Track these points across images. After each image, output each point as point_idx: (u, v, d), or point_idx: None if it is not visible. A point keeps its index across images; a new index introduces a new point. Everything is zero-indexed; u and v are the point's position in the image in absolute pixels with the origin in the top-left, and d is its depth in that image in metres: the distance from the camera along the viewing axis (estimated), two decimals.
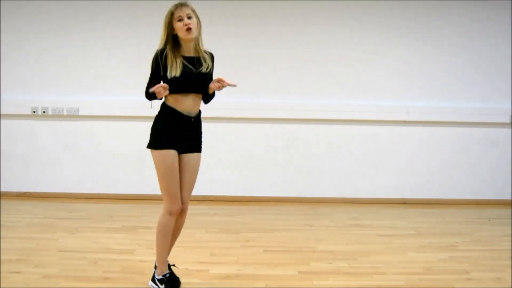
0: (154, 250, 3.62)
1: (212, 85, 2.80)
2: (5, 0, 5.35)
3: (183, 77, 2.69)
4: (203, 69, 2.77)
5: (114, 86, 5.40)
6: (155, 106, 5.67)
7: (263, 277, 3.15)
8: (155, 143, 2.76)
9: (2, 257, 3.38)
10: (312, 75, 5.39)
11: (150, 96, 2.78)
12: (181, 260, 3.39)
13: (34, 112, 5.41)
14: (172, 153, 2.73)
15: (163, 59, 2.71)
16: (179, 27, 2.70)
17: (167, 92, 2.68)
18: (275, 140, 5.43)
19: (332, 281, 3.10)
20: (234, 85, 2.78)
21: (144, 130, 5.45)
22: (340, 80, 5.40)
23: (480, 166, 5.47)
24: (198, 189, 5.39)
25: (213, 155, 5.26)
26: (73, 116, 5.41)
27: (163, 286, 2.84)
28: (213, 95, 2.94)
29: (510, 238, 4.08)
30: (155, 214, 4.75)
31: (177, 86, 2.71)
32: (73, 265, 3.29)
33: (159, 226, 2.83)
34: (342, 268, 3.33)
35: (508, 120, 5.41)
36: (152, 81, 2.76)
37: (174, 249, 3.61)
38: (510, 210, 5.14)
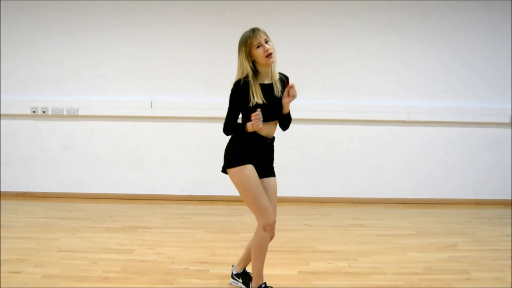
0: (154, 250, 3.64)
1: (286, 101, 2.71)
2: (5, 0, 5.35)
3: (265, 106, 2.64)
4: (277, 94, 2.73)
5: (114, 86, 5.40)
6: (154, 107, 5.71)
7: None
8: (233, 161, 2.70)
9: (2, 257, 3.39)
10: (312, 75, 5.39)
11: (233, 130, 2.72)
12: (181, 260, 3.40)
13: (34, 112, 5.41)
14: (251, 169, 2.67)
15: (243, 89, 2.65)
16: (259, 54, 2.64)
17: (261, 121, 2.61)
18: (275, 140, 5.43)
19: (332, 281, 3.10)
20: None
21: (144, 130, 5.49)
22: (340, 80, 5.40)
23: (480, 166, 5.48)
24: (198, 189, 5.42)
25: (213, 155, 5.25)
26: (73, 116, 5.41)
27: None
28: (289, 118, 2.87)
29: (510, 238, 4.09)
30: (155, 214, 4.78)
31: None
32: (73, 265, 3.30)
33: (257, 242, 2.75)
34: (342, 268, 3.33)
35: (508, 120, 5.42)
36: (233, 115, 2.70)
37: (173, 249, 3.62)
38: (510, 210, 5.14)
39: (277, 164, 5.50)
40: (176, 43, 5.32)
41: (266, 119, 2.70)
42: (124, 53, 5.37)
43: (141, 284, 3.02)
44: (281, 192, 5.39)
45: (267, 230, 2.68)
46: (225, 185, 5.43)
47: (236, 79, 2.69)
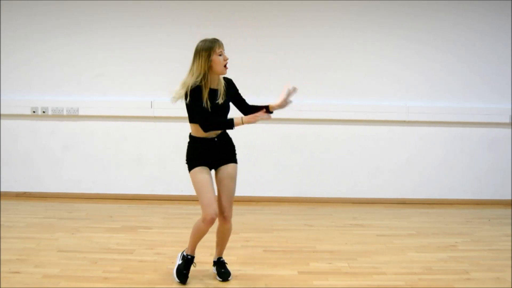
0: (154, 250, 3.64)
1: (280, 102, 3.06)
2: (5, 0, 5.35)
3: (211, 109, 2.90)
4: (220, 101, 2.96)
5: (114, 86, 5.39)
6: (154, 107, 5.72)
7: (263, 277, 3.15)
8: (188, 166, 3.03)
9: (2, 257, 3.39)
10: (312, 75, 5.39)
11: (219, 124, 2.96)
12: None
13: (34, 112, 5.41)
14: (203, 170, 2.97)
15: (198, 90, 2.88)
16: (218, 61, 2.89)
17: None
18: (275, 140, 5.43)
19: (332, 281, 3.10)
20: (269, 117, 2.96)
21: (144, 130, 5.49)
22: (340, 80, 5.40)
23: (480, 166, 5.47)
24: None
25: None
26: (73, 116, 5.41)
27: (181, 261, 3.10)
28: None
29: (509, 238, 4.09)
30: (155, 214, 4.78)
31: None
32: (73, 265, 3.30)
33: (193, 227, 3.06)
34: (342, 268, 3.34)
35: (507, 120, 5.41)
36: (203, 110, 2.90)
37: (174, 248, 3.62)
38: (510, 210, 5.14)
39: (277, 164, 5.55)
40: (176, 43, 5.32)
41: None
42: (124, 53, 5.37)
43: (141, 284, 3.03)
44: (281, 192, 5.46)
45: (205, 223, 2.94)
46: None
47: (188, 81, 2.89)
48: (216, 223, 3.06)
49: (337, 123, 5.42)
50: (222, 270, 3.14)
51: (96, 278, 3.09)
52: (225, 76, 3.06)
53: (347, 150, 5.45)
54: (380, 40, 5.38)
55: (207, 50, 2.88)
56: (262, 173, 5.44)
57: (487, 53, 5.40)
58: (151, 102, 5.35)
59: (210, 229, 2.98)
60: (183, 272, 3.05)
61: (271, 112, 3.07)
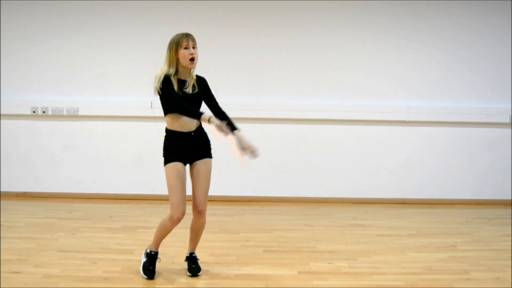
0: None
1: (216, 122, 2.94)
2: (5, 0, 5.35)
3: (181, 97, 2.98)
4: (189, 91, 3.02)
5: (114, 86, 5.39)
6: (154, 107, 5.72)
7: (263, 277, 3.15)
8: (164, 161, 3.10)
9: (2, 257, 3.38)
10: (312, 75, 5.39)
11: (188, 111, 2.99)
12: (181, 260, 3.39)
13: (34, 112, 5.41)
14: (177, 165, 3.03)
15: (168, 78, 2.99)
16: (183, 54, 2.97)
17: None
18: (275, 140, 5.43)
19: (332, 281, 3.10)
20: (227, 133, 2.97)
21: (144, 130, 5.49)
22: (340, 80, 5.40)
23: (479, 166, 5.47)
24: None
25: (213, 155, 5.25)
26: (73, 116, 5.41)
27: (145, 258, 3.15)
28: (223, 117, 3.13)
29: (510, 238, 4.09)
30: (155, 214, 4.78)
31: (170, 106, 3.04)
32: (73, 265, 3.30)
33: (160, 224, 3.13)
34: (342, 268, 3.33)
35: (507, 120, 5.41)
36: (175, 95, 2.98)
37: (174, 248, 3.62)
38: (510, 210, 5.14)
39: (277, 164, 5.55)
40: None
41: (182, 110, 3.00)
42: (124, 53, 5.37)
43: (141, 284, 3.03)
44: (281, 192, 5.46)
45: (171, 222, 3.02)
46: (225, 185, 5.45)
47: (159, 73, 3.02)
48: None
49: (337, 123, 5.42)
50: (193, 265, 3.19)
51: (96, 278, 3.09)
52: (200, 75, 3.13)
53: (347, 150, 5.45)
54: (380, 40, 5.38)
55: (175, 43, 2.97)
56: (262, 173, 5.44)
57: (487, 53, 5.40)
58: (151, 102, 5.35)
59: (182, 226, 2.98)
60: (149, 268, 3.11)
61: (234, 131, 3.06)
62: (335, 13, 5.36)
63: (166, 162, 3.06)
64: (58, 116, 5.42)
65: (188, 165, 3.12)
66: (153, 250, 3.16)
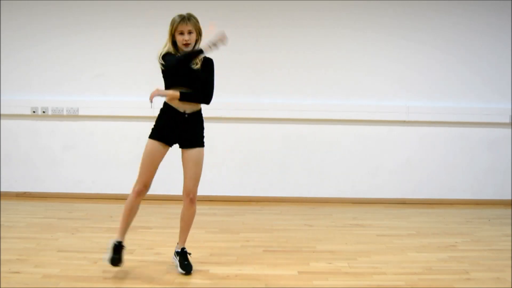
0: (154, 250, 3.65)
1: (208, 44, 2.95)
2: (5, 0, 5.35)
3: (172, 70, 3.02)
4: (195, 66, 3.01)
5: (114, 86, 5.40)
6: (155, 107, 5.70)
7: (263, 277, 3.15)
8: (150, 133, 3.13)
9: (2, 257, 3.38)
10: (312, 75, 5.39)
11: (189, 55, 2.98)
12: None
13: (34, 112, 5.41)
14: (155, 145, 3.08)
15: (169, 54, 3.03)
16: (179, 39, 3.00)
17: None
18: (275, 140, 5.43)
19: (332, 281, 3.10)
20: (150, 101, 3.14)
21: (144, 130, 5.48)
22: (340, 80, 5.40)
23: (479, 166, 5.47)
24: (198, 189, 5.40)
25: (213, 155, 5.25)
26: (73, 116, 5.41)
27: (111, 250, 3.11)
28: (190, 96, 3.09)
29: (510, 238, 4.08)
30: (155, 214, 4.78)
31: (169, 79, 3.11)
32: (73, 265, 3.30)
33: (126, 203, 3.20)
34: (342, 268, 3.33)
35: (507, 120, 5.42)
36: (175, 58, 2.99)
37: (173, 249, 3.61)
38: (510, 210, 5.14)
39: (277, 164, 5.55)
40: None
41: (175, 83, 3.07)
42: (124, 53, 5.37)
43: (141, 284, 3.03)
44: (281, 192, 5.46)
45: (133, 193, 3.15)
46: (225, 185, 5.46)
47: (163, 49, 3.07)
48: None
49: (337, 123, 5.43)
50: (185, 262, 3.16)
51: (96, 278, 3.08)
52: (208, 57, 3.11)
53: (347, 150, 5.45)
54: (380, 40, 5.38)
55: (172, 25, 3.03)
56: (262, 173, 5.44)
57: (487, 53, 5.40)
58: (152, 103, 5.33)
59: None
60: (115, 257, 3.07)
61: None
62: (335, 13, 5.36)
63: (151, 136, 3.10)
64: (58, 116, 5.42)
65: (180, 151, 3.15)
66: (117, 240, 3.12)
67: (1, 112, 5.39)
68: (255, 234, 4.14)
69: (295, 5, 5.34)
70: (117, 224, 4.33)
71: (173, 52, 3.02)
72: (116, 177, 5.44)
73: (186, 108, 3.08)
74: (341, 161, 5.45)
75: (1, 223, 4.29)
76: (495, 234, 4.22)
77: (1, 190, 5.43)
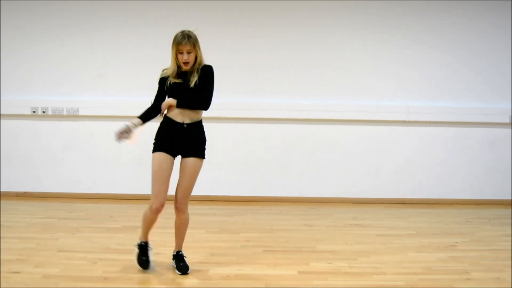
0: (154, 250, 3.64)
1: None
2: (5, 0, 5.35)
3: (170, 87, 3.12)
4: (190, 83, 3.09)
5: (114, 86, 5.40)
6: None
7: (263, 277, 3.15)
8: (153, 148, 3.16)
9: (2, 257, 3.38)
10: (312, 75, 5.39)
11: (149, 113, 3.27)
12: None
13: (34, 112, 5.41)
14: (161, 156, 3.08)
15: (165, 75, 3.18)
16: (179, 58, 3.09)
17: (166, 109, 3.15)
18: (275, 140, 5.44)
19: (332, 281, 3.10)
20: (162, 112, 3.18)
21: (144, 130, 5.48)
22: (340, 80, 5.40)
23: (479, 166, 5.48)
24: (198, 189, 5.40)
25: (213, 155, 5.23)
26: (73, 116, 5.41)
27: (138, 250, 3.25)
28: (187, 102, 3.14)
29: (510, 238, 4.08)
30: None
31: (168, 95, 3.17)
32: (73, 265, 3.30)
33: (143, 215, 3.21)
34: (342, 268, 3.33)
35: (507, 120, 5.42)
36: (154, 99, 3.27)
37: (173, 248, 3.61)
38: (510, 210, 5.14)
39: (277, 164, 5.54)
40: None
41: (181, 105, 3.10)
42: (124, 53, 5.37)
43: (141, 284, 3.03)
44: (281, 192, 5.46)
45: (151, 212, 3.11)
46: (225, 185, 5.46)
47: (164, 72, 3.22)
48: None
49: (337, 123, 5.43)
50: (181, 264, 3.21)
51: (96, 278, 3.08)
52: (207, 64, 3.20)
53: (347, 150, 5.45)
54: (380, 40, 5.38)
55: (172, 44, 3.10)
56: (262, 173, 5.45)
57: (487, 53, 5.40)
58: (151, 102, 5.33)
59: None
60: (142, 259, 3.21)
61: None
62: (335, 13, 5.36)
63: (153, 150, 3.13)
64: (58, 116, 5.42)
65: (180, 158, 3.16)
66: (143, 241, 3.24)
67: (1, 112, 5.39)
68: (255, 234, 4.14)
69: (295, 5, 5.34)
70: (117, 224, 4.38)
71: (170, 75, 3.14)
72: (116, 177, 5.45)
73: (185, 118, 3.11)
74: (341, 161, 5.45)
75: (1, 223, 4.29)
76: (495, 234, 4.22)
77: (1, 190, 5.43)
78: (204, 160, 3.19)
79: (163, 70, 3.20)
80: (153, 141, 3.15)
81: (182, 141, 3.11)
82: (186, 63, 3.07)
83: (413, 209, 5.20)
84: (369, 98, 5.41)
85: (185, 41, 3.03)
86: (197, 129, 3.16)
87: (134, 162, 5.45)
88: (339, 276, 3.19)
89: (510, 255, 3.61)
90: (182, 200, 3.14)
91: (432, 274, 3.24)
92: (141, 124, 3.21)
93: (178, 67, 3.11)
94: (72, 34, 5.37)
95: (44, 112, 5.41)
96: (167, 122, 3.13)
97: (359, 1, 5.34)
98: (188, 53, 3.05)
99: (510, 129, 5.43)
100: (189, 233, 4.09)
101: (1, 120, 5.43)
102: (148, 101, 5.37)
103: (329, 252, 3.66)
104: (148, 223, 3.19)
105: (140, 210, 4.89)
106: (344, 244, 3.88)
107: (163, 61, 5.31)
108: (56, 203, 5.19)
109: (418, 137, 5.45)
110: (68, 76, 5.40)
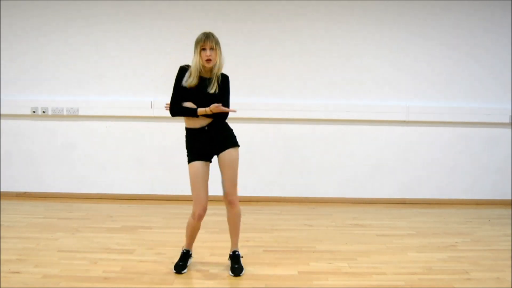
0: (154, 250, 3.65)
1: (211, 107, 3.08)
2: (5, 0, 5.35)
3: (189, 90, 3.11)
4: (210, 90, 3.13)
5: (114, 86, 5.40)
6: (154, 107, 5.71)
7: (263, 277, 3.15)
8: (187, 159, 3.21)
9: (2, 257, 3.39)
10: (312, 75, 5.39)
11: (181, 111, 3.17)
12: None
13: (34, 112, 5.41)
14: (196, 165, 3.14)
15: (184, 72, 3.18)
16: (202, 55, 3.11)
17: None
18: (274, 140, 5.44)
19: (332, 281, 3.10)
20: (234, 111, 3.17)
21: (144, 130, 5.49)
22: (340, 80, 5.40)
23: (480, 166, 5.48)
24: None
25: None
26: (73, 116, 5.41)
27: (179, 258, 3.32)
28: (222, 114, 3.19)
29: (510, 238, 4.09)
30: (155, 214, 4.79)
31: (188, 99, 3.14)
32: (73, 265, 3.30)
33: (188, 223, 3.28)
34: (342, 268, 3.34)
35: (508, 120, 5.42)
36: (176, 93, 3.18)
37: (174, 248, 3.62)
38: (510, 210, 5.14)
39: (277, 164, 5.55)
40: (176, 43, 5.32)
41: (194, 103, 3.13)
42: (124, 53, 5.37)
43: (141, 284, 3.03)
44: (281, 192, 5.46)
45: (193, 218, 3.18)
46: None
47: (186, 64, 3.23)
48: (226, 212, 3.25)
49: (337, 123, 5.43)
50: (235, 265, 3.22)
51: (96, 278, 3.09)
52: (224, 73, 3.24)
53: (347, 150, 5.45)
54: (380, 40, 5.38)
55: (195, 43, 3.14)
56: (262, 173, 5.45)
57: (487, 53, 5.40)
58: (151, 102, 5.35)
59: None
60: (179, 264, 3.25)
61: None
62: (335, 14, 5.36)
63: (188, 160, 3.18)
64: (58, 116, 5.42)
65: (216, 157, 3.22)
66: (185, 248, 3.34)
67: (1, 112, 5.39)
68: (255, 234, 4.14)
69: (295, 5, 5.34)
70: (117, 224, 4.38)
71: (192, 70, 3.13)
72: (116, 177, 5.45)
73: (203, 122, 3.15)
74: (341, 161, 5.45)
75: (1, 223, 4.29)
76: (495, 234, 4.22)
77: (1, 190, 5.43)
78: (238, 147, 3.24)
79: (182, 71, 3.19)
80: (187, 153, 3.21)
81: (209, 143, 3.17)
82: (208, 60, 3.09)
83: (413, 209, 5.20)
84: (369, 98, 5.41)
85: (209, 38, 3.10)
86: (218, 126, 3.19)
87: (134, 162, 5.45)
88: (339, 276, 3.19)
89: (510, 255, 3.61)
90: (231, 191, 3.19)
91: (432, 274, 3.24)
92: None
93: (199, 71, 3.12)
94: (72, 34, 5.37)
95: (44, 112, 5.41)
96: (190, 132, 3.20)
97: (359, 1, 5.34)
98: (211, 49, 3.09)
99: (510, 129, 5.43)
100: None
101: (1, 120, 5.43)
102: (148, 101, 5.39)
103: (329, 252, 3.66)
104: (191, 231, 3.27)
105: (140, 210, 4.94)
106: (344, 244, 3.88)
107: (163, 61, 5.36)
108: (56, 203, 5.19)
109: (418, 137, 5.45)
110: (68, 76, 5.40)
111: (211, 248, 3.72)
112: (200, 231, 4.16)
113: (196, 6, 5.34)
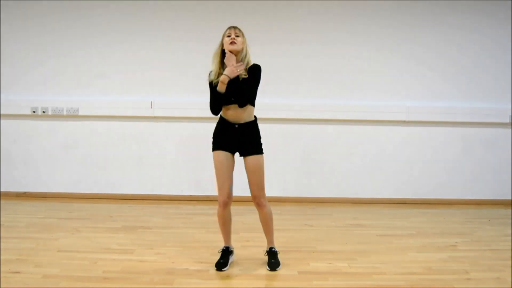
0: (154, 250, 3.65)
1: (226, 70, 3.12)
2: (5, 0, 5.35)
3: (216, 84, 3.17)
4: (240, 78, 3.17)
5: (114, 86, 5.40)
6: (154, 107, 5.71)
7: (263, 277, 3.15)
8: (212, 147, 3.27)
9: (2, 257, 3.38)
10: (312, 75, 5.39)
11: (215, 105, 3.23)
12: (181, 260, 3.40)
13: (34, 112, 5.41)
14: (219, 154, 3.22)
15: (213, 78, 3.24)
16: (226, 41, 3.17)
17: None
18: (274, 140, 5.43)
19: (331, 281, 3.10)
20: (242, 70, 3.19)
21: (144, 130, 5.49)
22: (340, 80, 5.40)
23: (480, 166, 5.48)
24: (198, 189, 5.42)
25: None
26: (73, 116, 5.41)
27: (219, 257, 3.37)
28: (243, 96, 3.21)
29: (510, 238, 4.09)
30: (155, 214, 4.78)
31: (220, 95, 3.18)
32: (73, 265, 3.30)
33: (217, 216, 3.36)
34: (342, 268, 3.33)
35: (508, 120, 5.42)
36: (211, 93, 3.25)
37: (173, 249, 3.62)
38: (510, 210, 5.14)
39: (277, 164, 5.54)
40: (176, 43, 5.32)
41: (227, 101, 3.19)
42: (125, 53, 5.37)
43: (141, 284, 3.03)
44: (281, 192, 5.46)
45: (219, 206, 3.27)
46: None
47: (209, 77, 3.29)
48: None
49: (337, 123, 5.43)
50: (272, 260, 3.32)
51: (96, 278, 3.09)
52: (255, 63, 3.29)
53: (347, 150, 5.45)
54: (380, 40, 5.38)
55: (223, 35, 3.22)
56: None
57: (487, 53, 5.40)
58: (151, 102, 5.35)
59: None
60: (220, 261, 3.30)
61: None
62: (335, 14, 5.36)
63: (213, 148, 3.26)
64: (58, 116, 5.42)
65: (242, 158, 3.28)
66: (224, 245, 3.41)
67: (1, 112, 5.39)
68: (255, 234, 4.13)
69: (295, 5, 5.34)
70: (117, 224, 4.38)
71: (215, 74, 3.21)
72: (116, 177, 5.45)
73: (237, 120, 3.22)
74: (341, 161, 5.45)
75: (1, 223, 4.29)
76: (495, 234, 4.22)
77: (1, 190, 5.43)
78: (263, 154, 3.29)
79: (209, 75, 3.26)
80: (212, 141, 3.27)
81: (235, 140, 3.22)
82: (232, 42, 3.12)
83: (413, 209, 5.20)
84: (369, 98, 5.40)
85: (233, 27, 3.18)
86: (248, 129, 3.25)
87: (134, 162, 5.45)
88: (339, 276, 3.19)
89: (510, 255, 3.61)
90: (258, 194, 3.27)
91: (432, 274, 3.24)
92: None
93: (222, 60, 3.18)
94: (72, 34, 5.37)
95: (44, 112, 5.41)
96: (222, 122, 3.25)
97: (359, 1, 5.34)
98: (236, 36, 3.14)
99: (510, 129, 5.43)
100: (189, 233, 4.11)
101: (1, 120, 5.43)
102: (148, 101, 5.40)
103: (329, 252, 3.66)
104: (223, 223, 3.34)
105: (140, 210, 4.93)
106: (344, 244, 3.88)
107: (163, 61, 5.35)
108: (56, 203, 5.19)
109: (418, 137, 5.45)
110: (68, 76, 5.41)
111: (211, 248, 3.71)
112: (200, 231, 4.18)
113: (196, 6, 5.33)
